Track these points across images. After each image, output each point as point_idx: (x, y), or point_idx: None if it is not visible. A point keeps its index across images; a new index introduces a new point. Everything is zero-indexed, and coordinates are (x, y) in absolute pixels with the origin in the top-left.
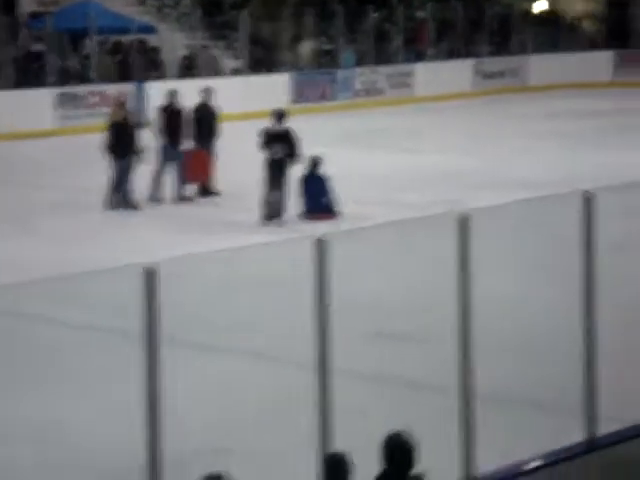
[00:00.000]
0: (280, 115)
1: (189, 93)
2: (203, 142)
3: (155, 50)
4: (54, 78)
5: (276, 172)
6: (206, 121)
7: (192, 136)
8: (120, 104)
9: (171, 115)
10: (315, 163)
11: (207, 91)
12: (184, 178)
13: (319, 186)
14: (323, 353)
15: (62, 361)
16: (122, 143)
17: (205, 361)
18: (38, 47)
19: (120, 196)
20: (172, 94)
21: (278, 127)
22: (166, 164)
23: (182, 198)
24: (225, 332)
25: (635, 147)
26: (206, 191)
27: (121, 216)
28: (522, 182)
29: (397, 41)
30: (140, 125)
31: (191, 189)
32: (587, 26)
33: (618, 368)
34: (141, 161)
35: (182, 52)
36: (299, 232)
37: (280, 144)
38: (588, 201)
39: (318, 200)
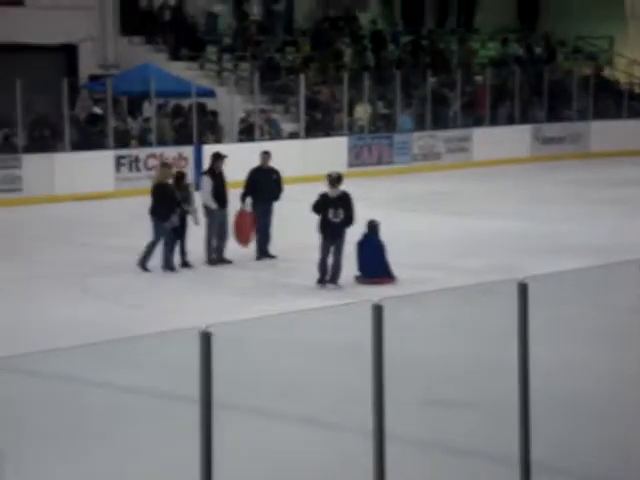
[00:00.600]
0: (336, 179)
1: (248, 156)
2: (262, 205)
3: (214, 114)
4: (114, 141)
5: (334, 235)
6: (265, 184)
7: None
8: (164, 165)
9: (216, 178)
10: (372, 227)
11: (266, 154)
12: (236, 239)
13: (376, 250)
14: (380, 419)
15: (118, 426)
16: (165, 205)
17: (260, 426)
18: (97, 110)
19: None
20: (215, 157)
21: (335, 191)
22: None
23: (222, 260)
24: (280, 397)
25: None
26: (263, 254)
27: (169, 278)
28: (581, 249)
29: (455, 106)
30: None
31: (233, 251)
32: None
33: None
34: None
35: (240, 115)
36: (355, 297)
37: (337, 208)
38: None
39: (375, 264)
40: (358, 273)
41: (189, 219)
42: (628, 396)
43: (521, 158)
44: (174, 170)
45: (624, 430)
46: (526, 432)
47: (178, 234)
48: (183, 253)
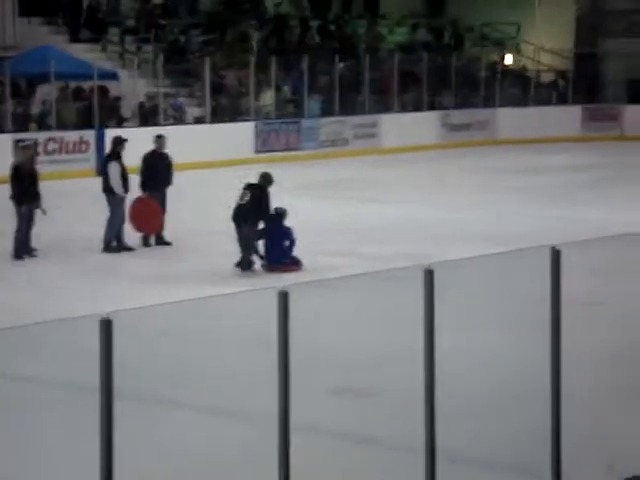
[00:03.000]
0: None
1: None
2: (154, 190)
3: (117, 99)
4: (12, 124)
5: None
6: (158, 169)
7: (139, 184)
8: (25, 148)
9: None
10: (279, 214)
11: (160, 138)
12: (136, 227)
13: (282, 238)
14: (285, 408)
15: (17, 416)
16: (28, 189)
17: (163, 417)
18: None
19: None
20: (117, 141)
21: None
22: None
23: (125, 248)
24: (183, 386)
25: (602, 202)
26: (158, 240)
27: (66, 265)
28: (488, 236)
29: (363, 91)
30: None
31: (135, 238)
32: (554, 80)
33: (585, 427)
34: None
35: (143, 99)
36: (261, 284)
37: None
38: (556, 256)
39: (280, 252)
40: (264, 261)
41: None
42: (531, 384)
43: (429, 145)
44: (33, 152)
45: (527, 418)
46: (431, 421)
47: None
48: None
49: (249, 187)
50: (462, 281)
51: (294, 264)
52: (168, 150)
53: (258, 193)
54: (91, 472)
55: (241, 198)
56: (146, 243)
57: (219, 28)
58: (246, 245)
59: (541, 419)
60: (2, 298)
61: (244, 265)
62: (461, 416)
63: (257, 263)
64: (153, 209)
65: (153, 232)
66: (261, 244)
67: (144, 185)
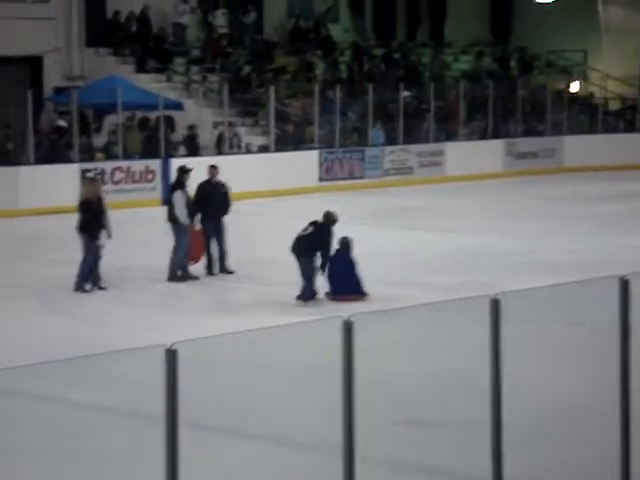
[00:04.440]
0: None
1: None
2: (210, 219)
3: (192, 127)
4: (79, 154)
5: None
6: (212, 198)
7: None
8: (91, 181)
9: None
10: (344, 244)
11: (214, 169)
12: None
13: (347, 267)
14: (349, 438)
15: (83, 444)
16: (94, 222)
17: (227, 446)
18: (62, 122)
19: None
20: (182, 171)
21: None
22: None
23: (190, 277)
24: (248, 416)
25: None
26: (222, 269)
27: (133, 294)
28: (555, 265)
29: (428, 119)
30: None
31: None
32: (621, 108)
33: None
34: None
35: (208, 128)
36: (326, 313)
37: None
38: (625, 286)
39: (345, 281)
40: (329, 290)
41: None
42: (600, 415)
43: (494, 173)
44: (100, 185)
45: (597, 450)
46: (498, 451)
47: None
48: (98, 271)
49: (313, 223)
50: (529, 311)
51: (359, 293)
52: (223, 179)
53: (320, 229)
54: None
55: (303, 230)
56: (210, 272)
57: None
58: (306, 276)
59: (610, 450)
60: (67, 329)
61: (305, 297)
62: (528, 447)
63: (320, 294)
64: (199, 239)
65: (192, 262)
66: (325, 274)
67: (198, 214)
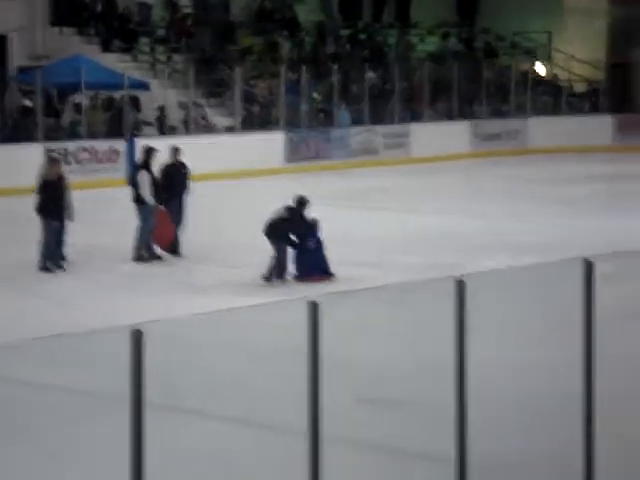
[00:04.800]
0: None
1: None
2: (171, 199)
3: (162, 109)
4: (43, 134)
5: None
6: (175, 178)
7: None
8: (52, 161)
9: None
10: (311, 225)
11: (177, 150)
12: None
13: (314, 248)
14: (315, 419)
15: (49, 426)
16: (53, 203)
17: (193, 427)
18: (27, 102)
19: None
20: (148, 151)
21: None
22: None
23: (155, 257)
24: (212, 397)
25: (635, 213)
26: (172, 251)
27: (102, 275)
28: (519, 246)
29: (393, 101)
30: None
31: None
32: (586, 90)
33: (617, 441)
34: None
35: (174, 109)
36: (292, 294)
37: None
38: (588, 267)
39: (313, 262)
40: (295, 271)
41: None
42: (563, 396)
43: (460, 154)
44: (60, 166)
45: (561, 430)
46: (462, 432)
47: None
48: (61, 250)
49: (287, 208)
50: (494, 292)
51: (326, 274)
52: (186, 161)
53: (292, 212)
54: None
55: (275, 213)
56: (175, 252)
57: (250, 37)
58: (277, 257)
59: (573, 431)
60: (31, 310)
61: (272, 276)
62: (492, 428)
63: (287, 275)
64: (165, 223)
65: (160, 245)
66: (291, 255)
67: (161, 195)
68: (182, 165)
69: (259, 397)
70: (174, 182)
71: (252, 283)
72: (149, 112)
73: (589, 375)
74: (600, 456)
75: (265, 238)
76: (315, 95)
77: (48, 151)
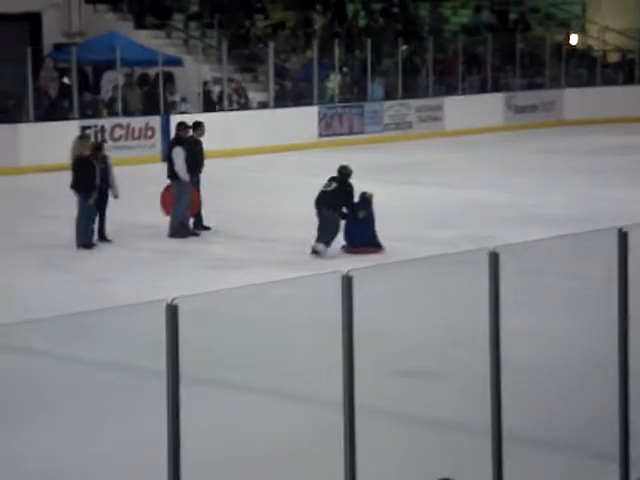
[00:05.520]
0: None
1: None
2: (195, 176)
3: (206, 83)
4: (79, 111)
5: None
6: (198, 156)
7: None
8: (81, 138)
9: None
10: (365, 199)
11: (198, 125)
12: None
13: (366, 221)
14: (350, 391)
15: (85, 400)
16: (88, 178)
17: (229, 401)
18: (67, 80)
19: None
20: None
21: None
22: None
23: (191, 233)
24: (248, 370)
25: None
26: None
27: (136, 251)
28: (555, 218)
29: (426, 74)
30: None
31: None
32: (620, 60)
33: None
34: (111, 196)
35: (208, 84)
36: (329, 267)
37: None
38: (623, 237)
39: (363, 234)
40: (344, 243)
41: (109, 192)
42: (599, 365)
43: (494, 127)
44: (92, 141)
45: (596, 399)
46: (498, 402)
47: (99, 208)
48: (103, 228)
49: (332, 179)
50: (528, 264)
51: (375, 247)
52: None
53: (341, 184)
54: (158, 455)
55: (326, 186)
56: (203, 227)
57: (284, 12)
58: (324, 229)
59: (609, 400)
60: (69, 285)
61: (320, 247)
62: (528, 398)
63: (331, 247)
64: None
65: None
66: (342, 227)
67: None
68: (196, 142)
69: (295, 370)
70: (198, 158)
71: (289, 259)
72: (184, 88)
73: (625, 343)
74: (635, 422)
75: (315, 209)
76: (346, 70)
77: (83, 128)
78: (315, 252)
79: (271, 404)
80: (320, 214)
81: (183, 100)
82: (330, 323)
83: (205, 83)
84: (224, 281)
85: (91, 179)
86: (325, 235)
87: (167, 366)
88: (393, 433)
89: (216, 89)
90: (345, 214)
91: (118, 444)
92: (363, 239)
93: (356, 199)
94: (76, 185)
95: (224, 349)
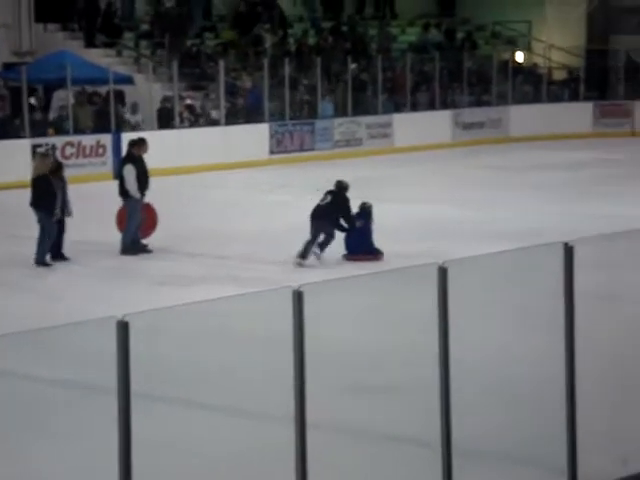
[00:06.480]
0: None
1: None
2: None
3: (165, 100)
4: (30, 129)
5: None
6: (145, 173)
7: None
8: (42, 156)
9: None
10: (364, 209)
11: (142, 142)
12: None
13: (364, 231)
14: (301, 407)
15: (35, 417)
16: (48, 197)
17: (181, 416)
18: (30, 100)
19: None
20: (133, 144)
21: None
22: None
23: (143, 250)
24: (199, 387)
25: (614, 198)
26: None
27: (85, 268)
28: (502, 233)
29: (376, 92)
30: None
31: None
32: (566, 78)
33: (600, 421)
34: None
35: (159, 103)
36: (279, 283)
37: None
38: (569, 252)
39: (358, 242)
40: (345, 251)
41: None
42: (546, 379)
43: (442, 143)
44: (51, 160)
45: (544, 412)
46: (447, 416)
47: (60, 227)
48: (61, 246)
49: (328, 192)
50: (476, 278)
51: (373, 254)
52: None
53: (337, 196)
54: (109, 472)
55: (322, 200)
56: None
57: (241, 31)
58: (311, 241)
59: (557, 413)
60: (20, 303)
61: (304, 254)
62: (477, 411)
63: (314, 256)
64: (152, 216)
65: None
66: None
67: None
68: (143, 159)
69: (246, 387)
70: (145, 177)
71: (240, 275)
72: (142, 106)
73: (571, 356)
74: (582, 435)
75: (310, 221)
76: (299, 87)
77: (35, 147)
78: (302, 259)
79: (222, 420)
80: (313, 226)
81: (134, 114)
82: (281, 339)
83: (163, 100)
84: (175, 297)
85: (52, 197)
86: (322, 243)
87: (118, 382)
88: (344, 448)
89: (167, 106)
90: (341, 224)
91: (68, 461)
92: (360, 247)
93: (356, 209)
94: (36, 203)
95: (175, 365)
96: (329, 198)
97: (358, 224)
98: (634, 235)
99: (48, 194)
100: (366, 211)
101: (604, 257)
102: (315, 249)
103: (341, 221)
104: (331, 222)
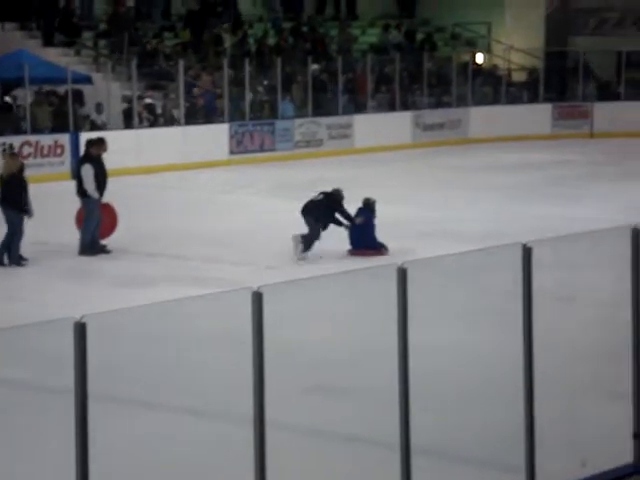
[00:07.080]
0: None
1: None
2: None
3: (130, 100)
4: None
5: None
6: (104, 173)
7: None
8: (12, 155)
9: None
10: (367, 205)
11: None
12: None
13: (365, 225)
14: (261, 407)
15: None
16: (15, 196)
17: (139, 418)
18: (4, 98)
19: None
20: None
21: None
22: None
23: (101, 250)
24: (157, 387)
25: (573, 199)
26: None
27: (45, 269)
28: (462, 233)
29: (336, 93)
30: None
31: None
32: (524, 79)
33: (558, 422)
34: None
35: (118, 102)
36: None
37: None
38: (527, 253)
39: (360, 237)
40: (350, 247)
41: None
42: (505, 379)
43: (403, 144)
44: (20, 159)
45: (503, 413)
46: (406, 417)
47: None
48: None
49: (323, 192)
50: (435, 279)
51: (376, 249)
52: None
53: (329, 198)
54: (66, 475)
55: (315, 197)
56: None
57: (193, 31)
58: (308, 234)
59: (515, 414)
60: None
61: (305, 247)
62: (436, 412)
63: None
64: (111, 216)
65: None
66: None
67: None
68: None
69: (205, 387)
70: (103, 177)
71: (200, 275)
72: (92, 105)
73: (529, 358)
74: (541, 436)
75: (301, 217)
76: (259, 88)
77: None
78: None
79: (181, 421)
80: (305, 220)
81: (99, 114)
82: (241, 339)
83: (129, 100)
84: (134, 298)
85: (20, 196)
86: (306, 240)
87: (75, 384)
88: (304, 449)
89: (121, 106)
90: (339, 220)
91: (24, 464)
92: (362, 242)
93: (359, 204)
94: (7, 202)
95: (133, 366)
96: (322, 197)
97: (361, 219)
98: (591, 236)
99: (17, 193)
100: (369, 206)
101: (562, 258)
102: (301, 250)
103: (340, 218)
104: (318, 219)
